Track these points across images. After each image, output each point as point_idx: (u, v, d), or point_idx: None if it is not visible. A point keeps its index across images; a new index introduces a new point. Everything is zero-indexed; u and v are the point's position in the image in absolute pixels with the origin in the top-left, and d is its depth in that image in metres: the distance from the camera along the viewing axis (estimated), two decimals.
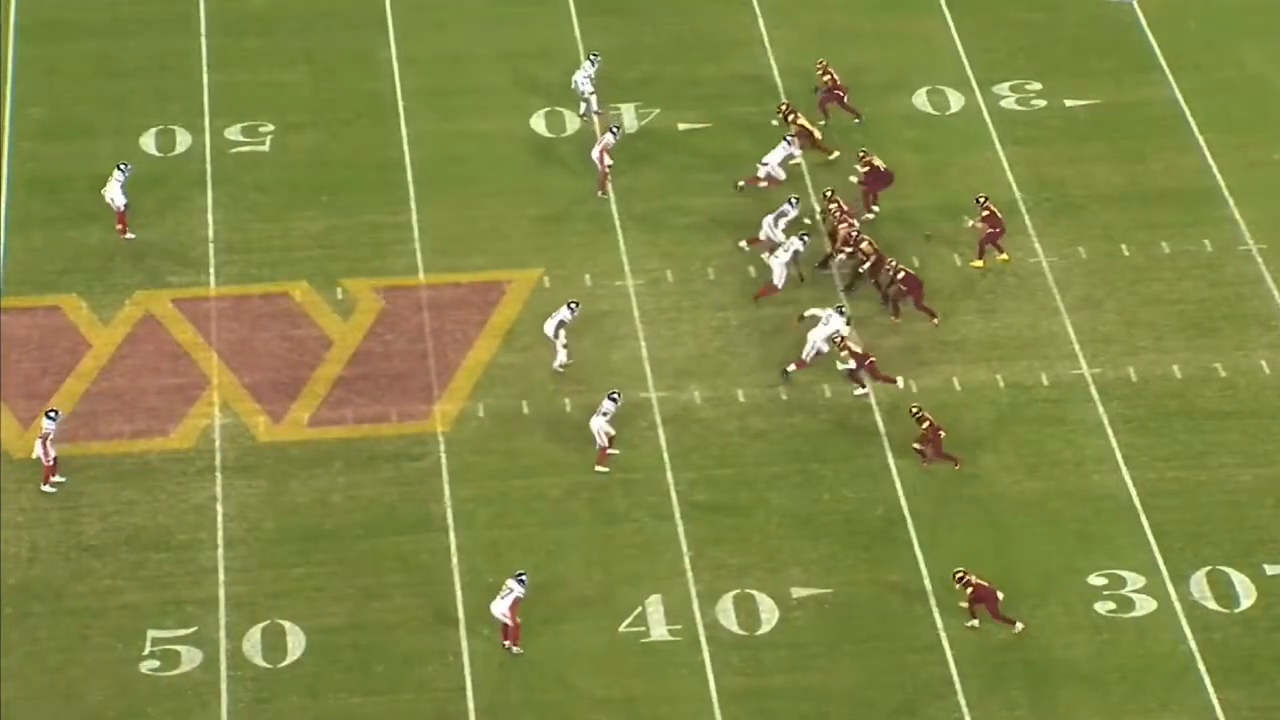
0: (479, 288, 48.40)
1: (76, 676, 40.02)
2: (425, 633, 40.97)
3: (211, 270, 48.66)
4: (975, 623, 39.61)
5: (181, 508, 43.30)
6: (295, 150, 52.01)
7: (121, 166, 49.95)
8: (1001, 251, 48.43)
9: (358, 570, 42.02)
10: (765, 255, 47.54)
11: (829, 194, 48.58)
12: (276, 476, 44.04)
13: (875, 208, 49.29)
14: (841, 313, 45.31)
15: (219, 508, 43.32)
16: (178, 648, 40.37)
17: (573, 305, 45.96)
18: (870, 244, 47.15)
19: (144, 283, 48.25)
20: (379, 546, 42.49)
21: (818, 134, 50.34)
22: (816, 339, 45.50)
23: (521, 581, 39.98)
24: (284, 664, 40.24)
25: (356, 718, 39.48)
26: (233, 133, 52.39)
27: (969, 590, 39.60)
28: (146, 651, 40.32)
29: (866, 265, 47.07)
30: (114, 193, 49.90)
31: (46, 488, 43.47)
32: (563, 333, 46.07)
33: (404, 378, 46.29)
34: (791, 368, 45.34)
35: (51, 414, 43.56)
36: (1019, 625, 39.87)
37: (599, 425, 43.14)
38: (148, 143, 52.16)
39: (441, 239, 49.47)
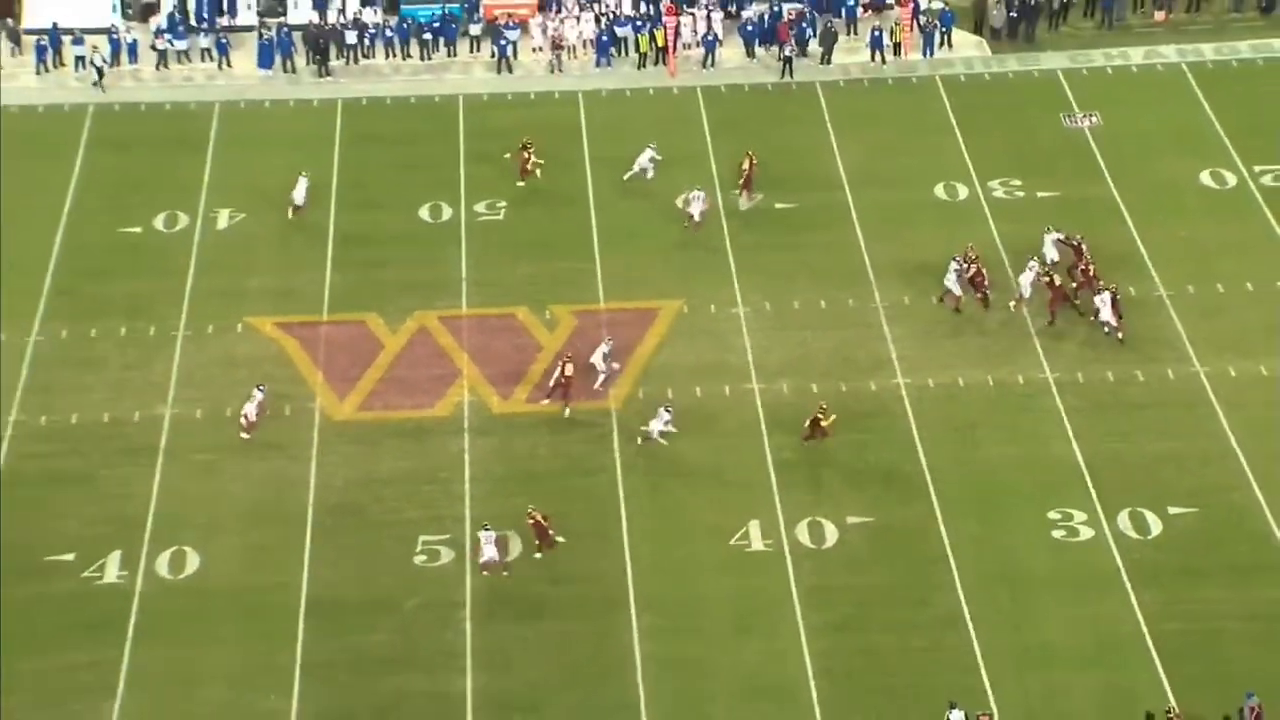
0: (640, 312, 48.25)
1: (370, 566, 40.62)
2: (594, 539, 41.19)
3: (464, 297, 48.76)
4: None
5: (441, 455, 43.63)
6: (520, 219, 51.73)
7: (304, 175, 51.30)
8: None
9: (555, 500, 41.85)
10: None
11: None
12: (504, 436, 44.25)
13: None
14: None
15: (466, 456, 43.60)
16: (438, 548, 41.07)
17: (609, 341, 45.76)
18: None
19: (420, 305, 48.19)
20: (570, 485, 42.75)
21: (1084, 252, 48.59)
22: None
23: (485, 528, 40.36)
24: (509, 560, 40.43)
25: (547, 599, 39.84)
26: (479, 207, 52.19)
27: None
28: (418, 549, 41.00)
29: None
30: (299, 193, 51.03)
31: (245, 435, 43.72)
32: (608, 367, 45.62)
33: (589, 371, 45.58)
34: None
35: (260, 387, 44.03)
36: None
37: (656, 427, 43.03)
38: (424, 214, 51.94)
39: (615, 279, 49.37)
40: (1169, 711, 36.49)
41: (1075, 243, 48.58)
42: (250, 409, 43.49)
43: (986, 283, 47.64)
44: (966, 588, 40.07)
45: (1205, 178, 53.37)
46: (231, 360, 46.74)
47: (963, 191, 52.95)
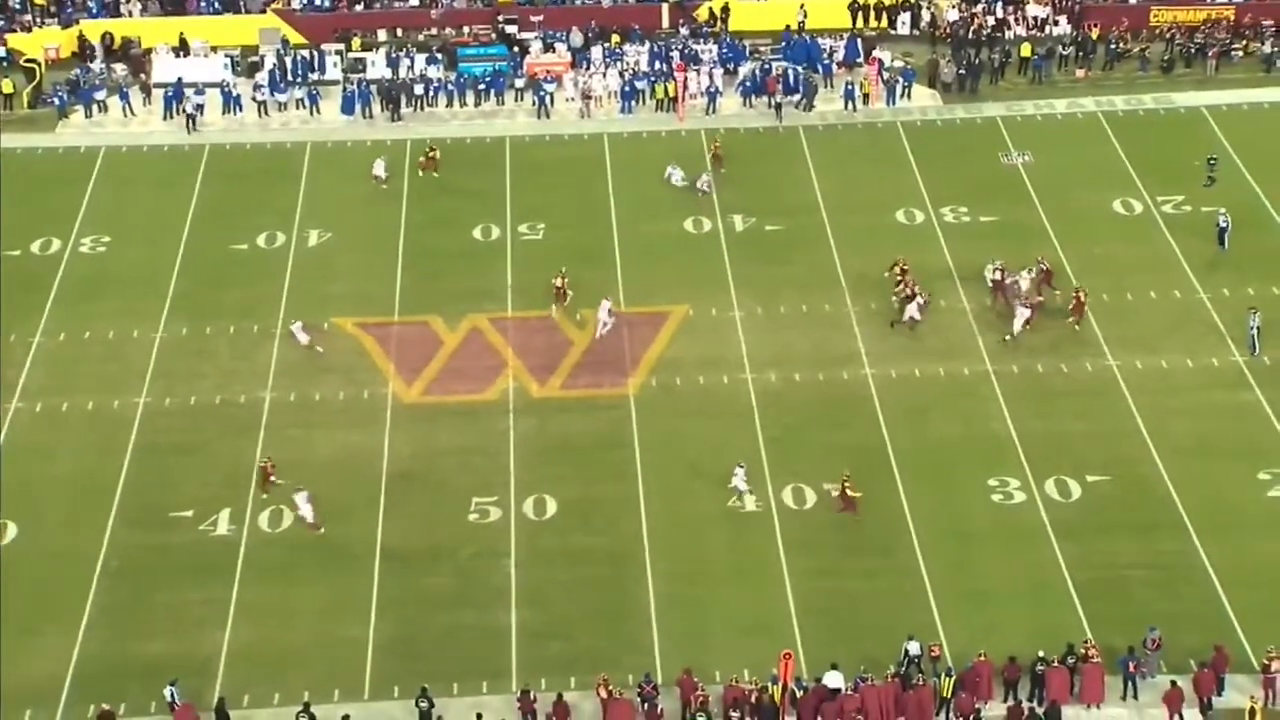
0: (653, 315, 47.96)
1: (432, 521, 40.62)
2: (616, 501, 41.16)
3: (509, 302, 48.56)
4: None
5: (490, 432, 43.49)
6: (556, 238, 51.47)
7: (381, 158, 53.23)
8: (1055, 290, 47.66)
9: (583, 468, 42.19)
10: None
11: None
12: (542, 416, 44.09)
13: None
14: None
15: (511, 433, 43.45)
16: (488, 507, 40.99)
17: (610, 308, 46.53)
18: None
19: (472, 309, 47.92)
20: (596, 456, 42.64)
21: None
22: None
23: (299, 490, 40.15)
24: (546, 517, 40.62)
25: (577, 549, 39.80)
26: (522, 228, 51.95)
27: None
28: (471, 508, 40.96)
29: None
30: (379, 169, 52.25)
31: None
32: (609, 324, 46.33)
33: (612, 364, 45.83)
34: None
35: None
36: None
37: (739, 481, 41.16)
38: (476, 234, 51.55)
39: (633, 287, 49.13)
40: (1085, 642, 36.58)
41: (1044, 268, 48.30)
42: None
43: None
44: (921, 541, 40.13)
45: (1117, 206, 53.17)
46: (320, 353, 46.73)
47: (919, 216, 52.68)
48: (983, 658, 36.22)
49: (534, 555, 39.65)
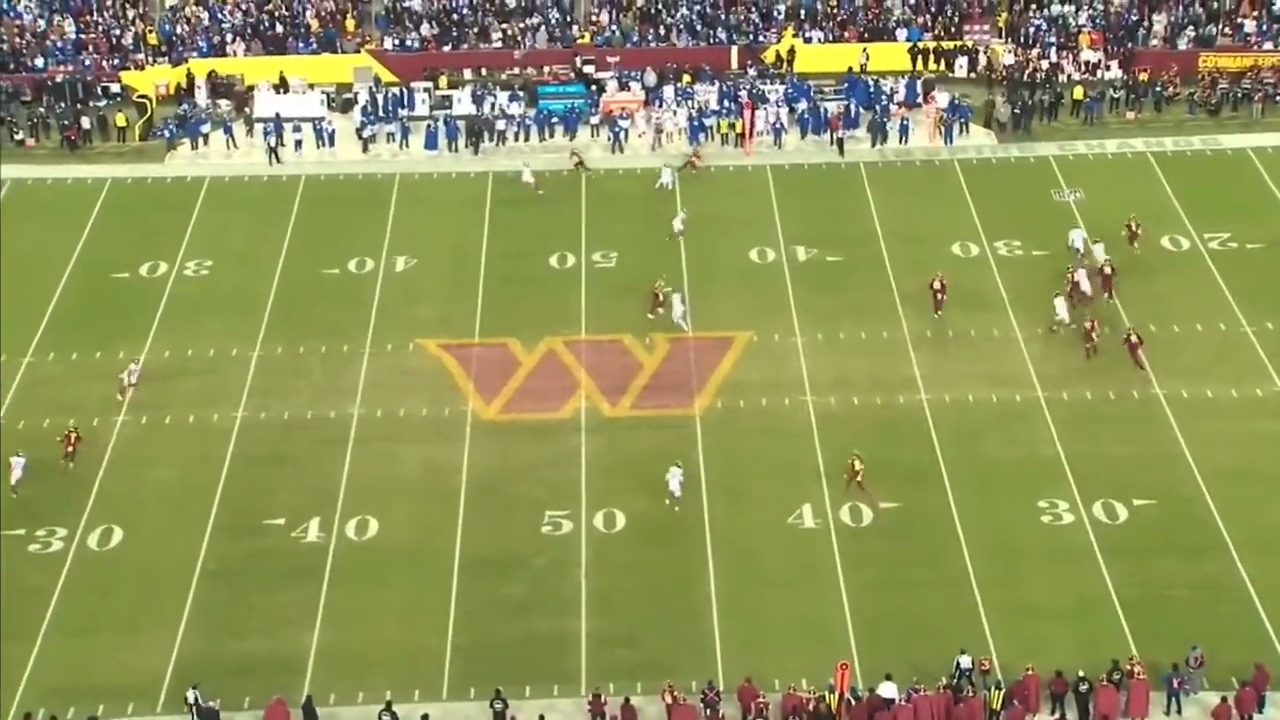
0: (719, 340, 47.89)
1: (507, 532, 40.27)
2: (681, 514, 40.77)
3: (583, 326, 48.71)
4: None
5: (563, 449, 43.45)
6: (627, 266, 51.49)
7: (526, 163, 53.99)
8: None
9: (651, 484, 41.72)
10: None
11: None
12: (612, 434, 44.07)
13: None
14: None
15: (583, 450, 43.47)
16: (560, 520, 40.85)
17: (684, 300, 47.65)
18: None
19: (548, 332, 47.89)
20: (663, 472, 41.65)
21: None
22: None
23: (18, 454, 40.54)
24: (615, 530, 40.59)
25: (643, 559, 39.70)
26: (596, 256, 52.15)
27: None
28: (545, 521, 40.82)
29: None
30: (526, 175, 52.97)
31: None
32: (685, 311, 47.42)
33: (679, 386, 45.77)
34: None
35: None
36: None
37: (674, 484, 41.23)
38: (553, 261, 51.77)
39: (700, 314, 48.95)
40: (1131, 659, 36.25)
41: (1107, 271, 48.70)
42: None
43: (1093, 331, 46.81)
44: (973, 558, 39.84)
45: (1165, 242, 52.68)
46: (405, 372, 47.00)
47: (974, 249, 52.48)
48: (1031, 672, 35.87)
49: (603, 566, 39.60)
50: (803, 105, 60.30)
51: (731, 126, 59.22)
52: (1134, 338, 46.43)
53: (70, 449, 42.68)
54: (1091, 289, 48.72)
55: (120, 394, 45.17)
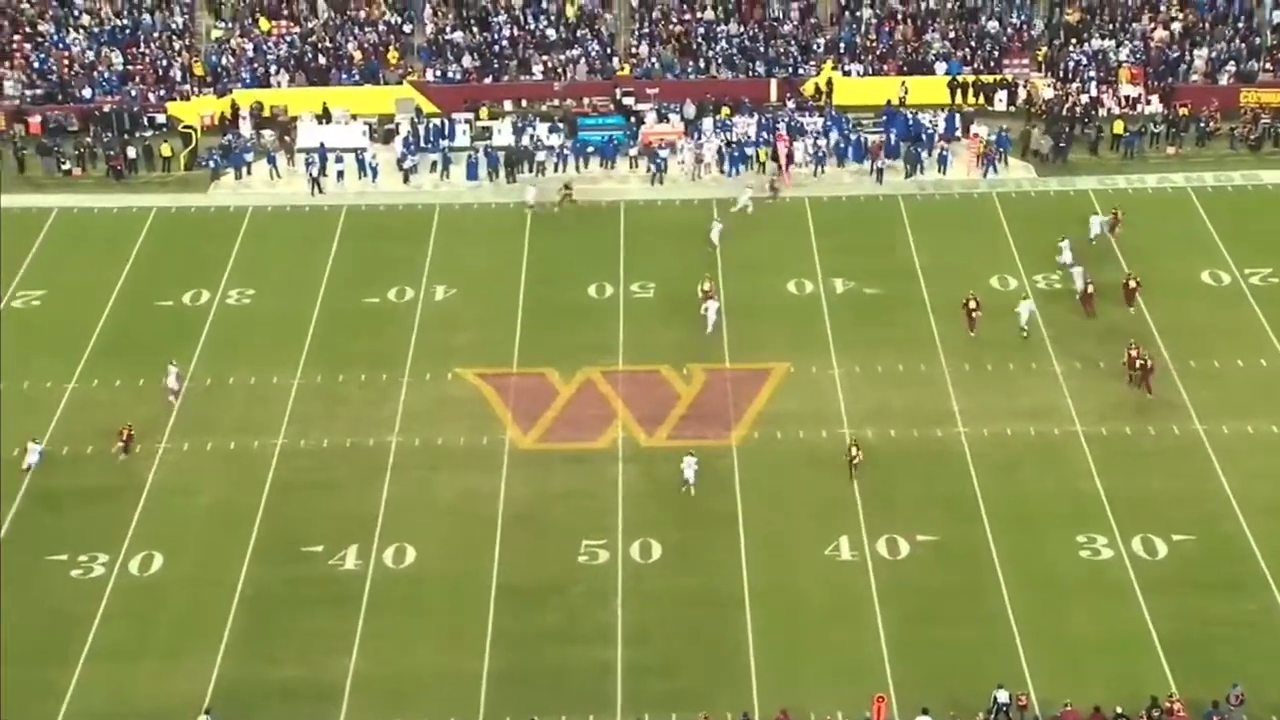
0: (756, 372, 47.87)
1: (544, 561, 40.47)
2: (717, 546, 40.88)
3: (620, 357, 48.64)
4: None
5: (600, 479, 43.47)
6: (665, 297, 51.61)
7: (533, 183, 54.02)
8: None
9: (687, 514, 42.08)
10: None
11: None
12: (649, 464, 44.05)
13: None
14: None
15: (619, 479, 43.51)
16: (597, 549, 40.85)
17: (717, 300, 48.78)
18: None
19: (586, 362, 47.98)
20: (699, 502, 42.42)
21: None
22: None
23: (34, 441, 42.37)
24: (651, 560, 40.54)
25: (680, 590, 39.58)
26: (634, 287, 52.13)
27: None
28: (581, 550, 40.67)
29: None
30: (530, 197, 53.26)
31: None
32: (716, 312, 48.47)
33: (716, 416, 45.75)
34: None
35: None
36: None
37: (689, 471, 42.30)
38: (591, 291, 51.95)
39: (737, 345, 49.06)
40: (1170, 696, 36.02)
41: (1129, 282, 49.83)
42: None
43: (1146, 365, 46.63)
44: (1011, 593, 39.67)
45: (1205, 276, 52.53)
46: (443, 401, 47.18)
47: (1012, 282, 52.31)
48: (1069, 707, 35.70)
49: (639, 596, 39.56)
50: (835, 136, 60.44)
51: (772, 156, 59.49)
52: (1148, 363, 46.24)
53: (123, 443, 43.80)
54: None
55: (173, 397, 46.09)
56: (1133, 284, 50.08)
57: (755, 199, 56.91)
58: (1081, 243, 53.28)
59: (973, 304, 48.99)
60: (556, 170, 60.21)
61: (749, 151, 60.03)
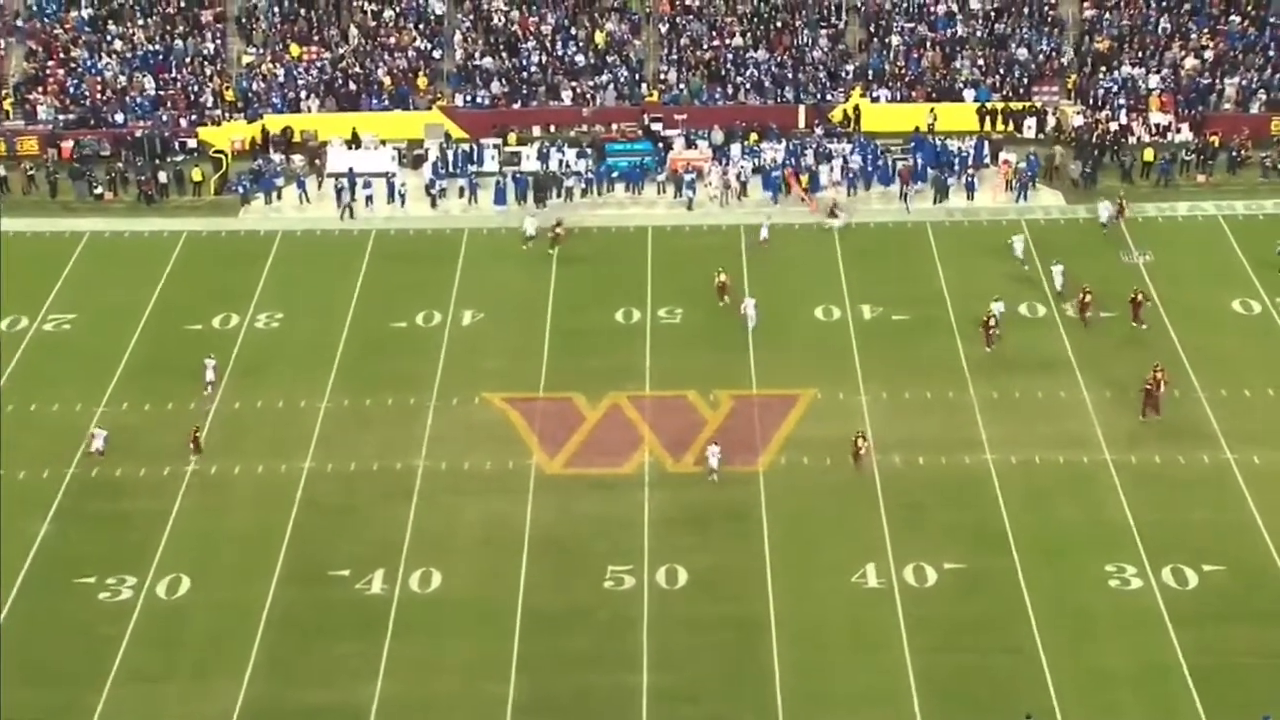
0: (783, 397, 47.85)
1: (570, 586, 40.44)
2: (744, 572, 40.82)
3: (647, 382, 48.85)
4: None
5: (626, 504, 43.48)
6: (692, 322, 51.73)
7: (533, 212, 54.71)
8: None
9: (714, 540, 42.11)
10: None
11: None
12: (675, 488, 44.03)
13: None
14: None
15: (645, 503, 43.51)
16: (623, 575, 40.93)
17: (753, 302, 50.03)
18: None
19: (613, 387, 48.10)
20: (725, 528, 42.43)
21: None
22: None
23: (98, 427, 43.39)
24: (677, 586, 40.26)
25: (706, 616, 39.57)
26: (661, 312, 52.36)
27: None
28: (608, 576, 40.92)
29: None
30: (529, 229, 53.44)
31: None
32: (754, 311, 49.38)
33: (742, 442, 45.60)
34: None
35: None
36: None
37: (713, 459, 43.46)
38: (618, 316, 51.95)
39: (765, 371, 49.12)
40: None
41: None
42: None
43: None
44: (1039, 623, 39.44)
45: (1236, 305, 52.41)
46: (470, 425, 47.29)
47: (1041, 310, 52.28)
48: None
49: (665, 621, 39.51)
50: (857, 160, 60.49)
51: (798, 180, 59.68)
52: (1158, 387, 46.28)
53: (194, 445, 45.02)
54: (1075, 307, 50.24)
55: (207, 388, 47.31)
56: (1140, 298, 50.08)
57: (818, 223, 57.15)
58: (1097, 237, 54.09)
59: (992, 321, 49.25)
60: (585, 196, 60.44)
61: (775, 176, 60.26)
